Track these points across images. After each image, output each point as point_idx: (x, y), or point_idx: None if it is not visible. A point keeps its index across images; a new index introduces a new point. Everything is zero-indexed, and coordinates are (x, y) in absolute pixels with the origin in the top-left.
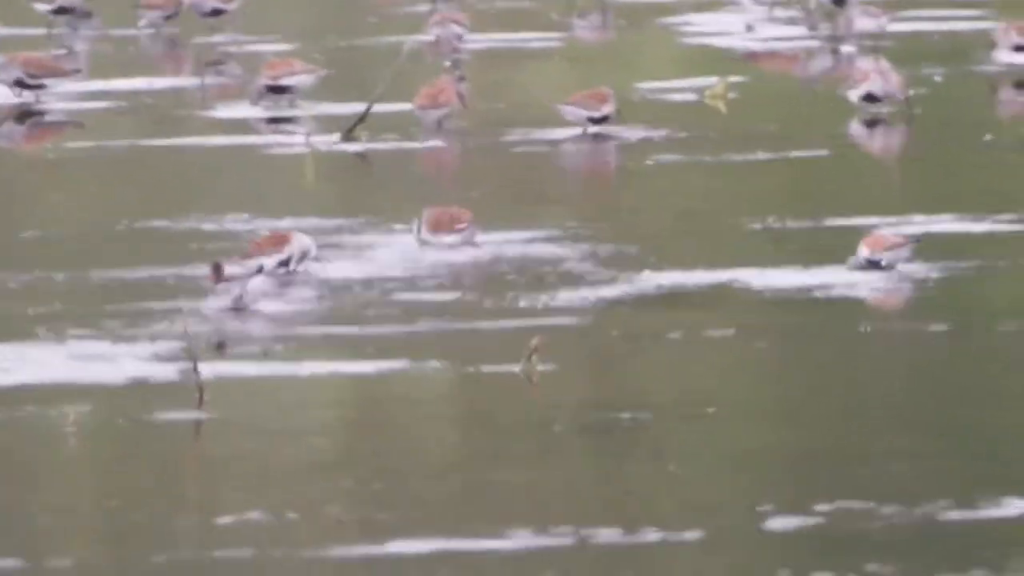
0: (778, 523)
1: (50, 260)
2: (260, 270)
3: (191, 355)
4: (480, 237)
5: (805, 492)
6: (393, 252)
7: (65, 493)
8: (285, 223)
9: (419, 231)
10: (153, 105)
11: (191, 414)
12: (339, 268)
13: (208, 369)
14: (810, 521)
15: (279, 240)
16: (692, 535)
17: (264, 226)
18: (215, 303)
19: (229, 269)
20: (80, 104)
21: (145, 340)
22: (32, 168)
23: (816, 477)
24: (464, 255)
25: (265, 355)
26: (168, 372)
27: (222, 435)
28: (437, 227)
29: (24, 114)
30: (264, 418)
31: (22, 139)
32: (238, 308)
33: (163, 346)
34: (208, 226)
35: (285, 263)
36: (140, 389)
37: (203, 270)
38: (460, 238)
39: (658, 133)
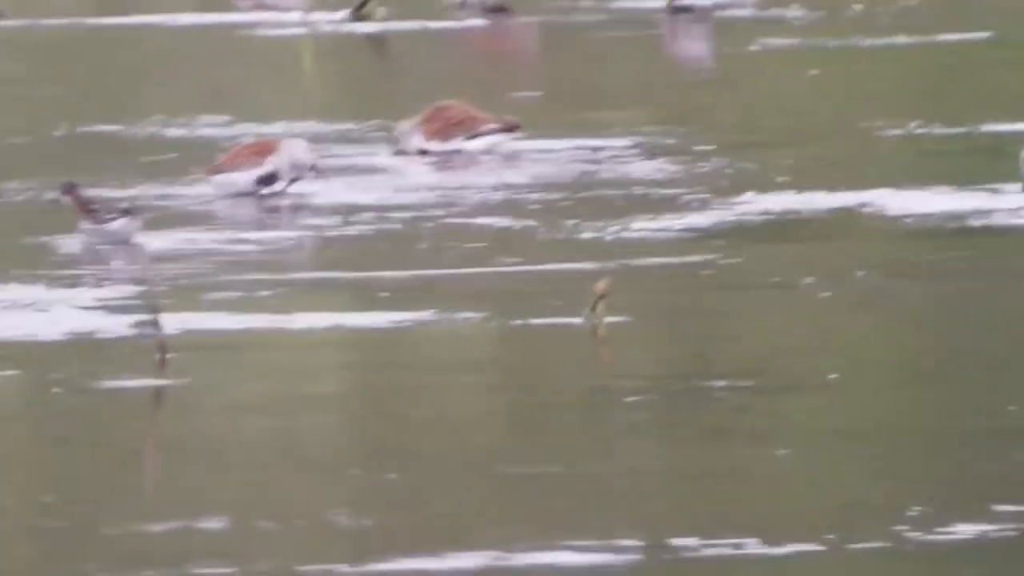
0: (929, 528)
1: None
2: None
3: (150, 304)
4: (525, 146)
5: (961, 484)
6: (413, 169)
7: None
8: (274, 128)
9: (412, 136)
10: None
11: (149, 381)
12: (341, 189)
13: (172, 322)
14: (974, 527)
15: (262, 149)
16: (811, 547)
17: (248, 133)
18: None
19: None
20: None
21: (89, 284)
22: None
23: (974, 463)
24: (501, 173)
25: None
26: (118, 326)
27: (188, 409)
28: (438, 132)
29: None
30: (243, 387)
31: None
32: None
33: (112, 291)
34: (174, 131)
35: (268, 180)
36: (82, 348)
37: (170, 189)
38: (477, 145)
39: (767, 10)
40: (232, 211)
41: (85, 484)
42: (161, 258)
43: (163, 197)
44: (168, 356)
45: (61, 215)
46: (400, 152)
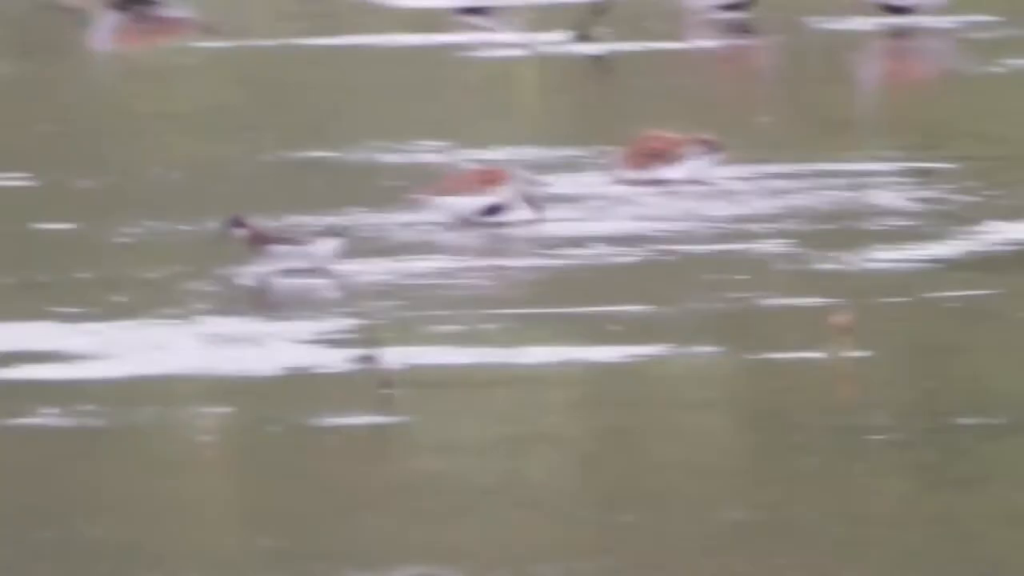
0: None
1: (170, 204)
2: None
3: (370, 337)
4: (754, 171)
5: None
6: (646, 196)
7: (198, 528)
8: (494, 155)
9: (616, 165)
10: None
11: (369, 418)
12: (567, 218)
13: (393, 356)
14: None
15: (489, 177)
16: None
17: (466, 158)
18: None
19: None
20: None
21: (306, 317)
22: (138, 76)
23: None
24: (735, 201)
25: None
26: (337, 361)
27: (412, 448)
28: (637, 161)
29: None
30: (469, 426)
31: (128, 36)
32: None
33: (330, 325)
34: (389, 157)
35: (493, 210)
36: (299, 384)
37: (387, 217)
38: (678, 173)
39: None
40: (454, 240)
41: (304, 528)
42: (381, 289)
43: (380, 226)
44: (390, 392)
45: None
46: (613, 181)
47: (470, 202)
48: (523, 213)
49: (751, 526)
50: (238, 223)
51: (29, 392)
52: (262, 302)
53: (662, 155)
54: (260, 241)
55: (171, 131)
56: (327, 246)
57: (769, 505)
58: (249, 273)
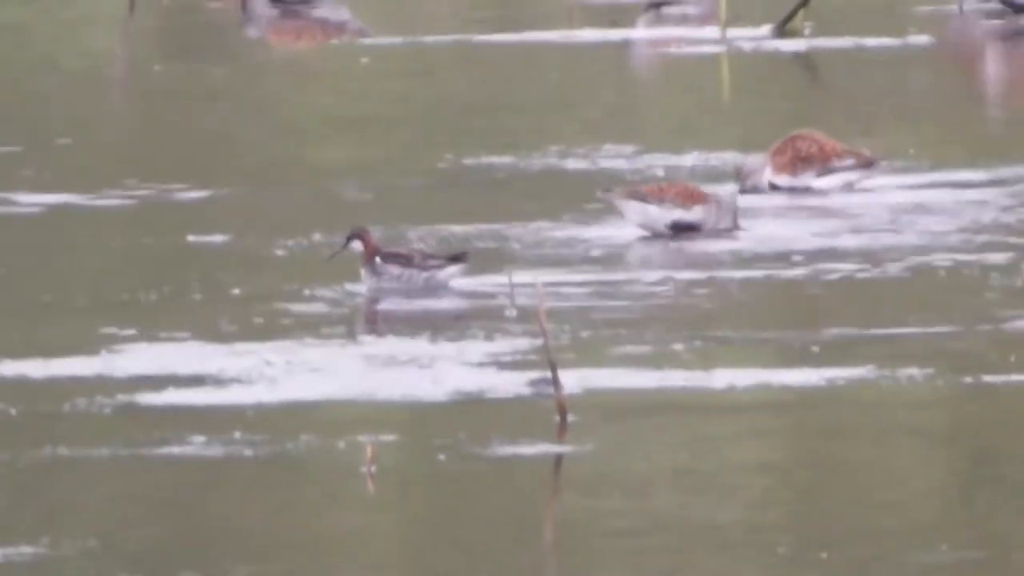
0: None
1: (333, 216)
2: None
3: (547, 359)
4: (951, 179)
5: None
6: (859, 206)
7: (357, 568)
8: (686, 160)
9: (762, 170)
10: None
11: (546, 447)
12: (770, 233)
13: (572, 380)
14: None
15: (690, 194)
16: None
17: (656, 165)
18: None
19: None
20: None
21: (477, 338)
22: (299, 78)
23: None
24: (953, 213)
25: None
26: (511, 385)
27: (593, 481)
28: (786, 166)
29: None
30: (655, 456)
31: (283, 34)
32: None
33: (503, 346)
34: (573, 163)
35: (686, 228)
36: (471, 409)
37: (569, 228)
38: (828, 183)
39: None
40: (644, 254)
41: (474, 567)
42: (561, 306)
43: (562, 238)
44: (568, 419)
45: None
46: (750, 189)
47: (664, 213)
48: (720, 225)
49: (968, 565)
50: (357, 236)
51: (177, 418)
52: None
53: (813, 162)
54: (373, 257)
55: (339, 135)
56: (444, 271)
57: (984, 543)
58: (362, 291)
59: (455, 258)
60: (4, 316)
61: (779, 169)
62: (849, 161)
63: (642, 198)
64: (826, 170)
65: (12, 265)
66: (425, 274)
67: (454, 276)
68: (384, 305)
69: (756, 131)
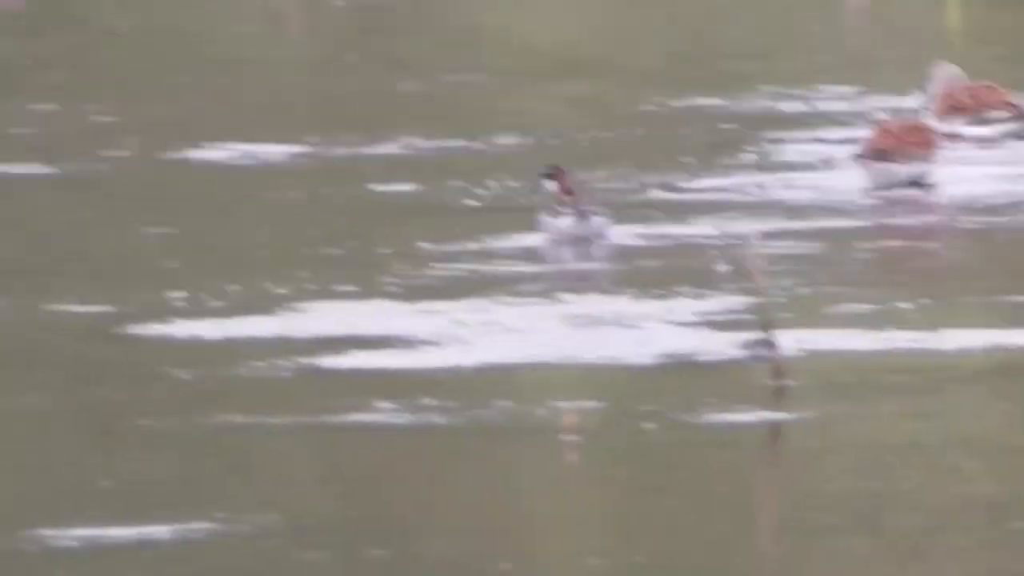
0: None
1: (529, 161)
2: None
3: (763, 318)
4: None
5: None
6: None
7: (558, 545)
8: (910, 102)
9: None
10: None
11: (761, 415)
12: (987, 179)
13: (790, 341)
14: None
15: (924, 140)
16: None
17: (877, 107)
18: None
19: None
20: None
21: (685, 295)
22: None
23: None
24: None
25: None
26: (724, 346)
27: (811, 452)
28: (945, 111)
29: None
30: (879, 425)
31: None
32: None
33: (715, 304)
34: (789, 105)
35: (922, 178)
36: (680, 373)
37: (786, 175)
38: (981, 132)
39: None
40: (862, 203)
41: (684, 546)
42: (778, 260)
43: (779, 186)
44: (785, 384)
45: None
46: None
47: (908, 169)
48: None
49: None
50: (552, 175)
51: (362, 384)
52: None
53: (967, 110)
54: (565, 199)
55: (539, 75)
56: (598, 219)
57: None
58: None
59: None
60: (177, 274)
61: (942, 113)
62: (1007, 112)
63: (881, 156)
64: (979, 119)
65: (187, 221)
66: (582, 219)
67: (599, 226)
68: (587, 260)
69: (987, 63)
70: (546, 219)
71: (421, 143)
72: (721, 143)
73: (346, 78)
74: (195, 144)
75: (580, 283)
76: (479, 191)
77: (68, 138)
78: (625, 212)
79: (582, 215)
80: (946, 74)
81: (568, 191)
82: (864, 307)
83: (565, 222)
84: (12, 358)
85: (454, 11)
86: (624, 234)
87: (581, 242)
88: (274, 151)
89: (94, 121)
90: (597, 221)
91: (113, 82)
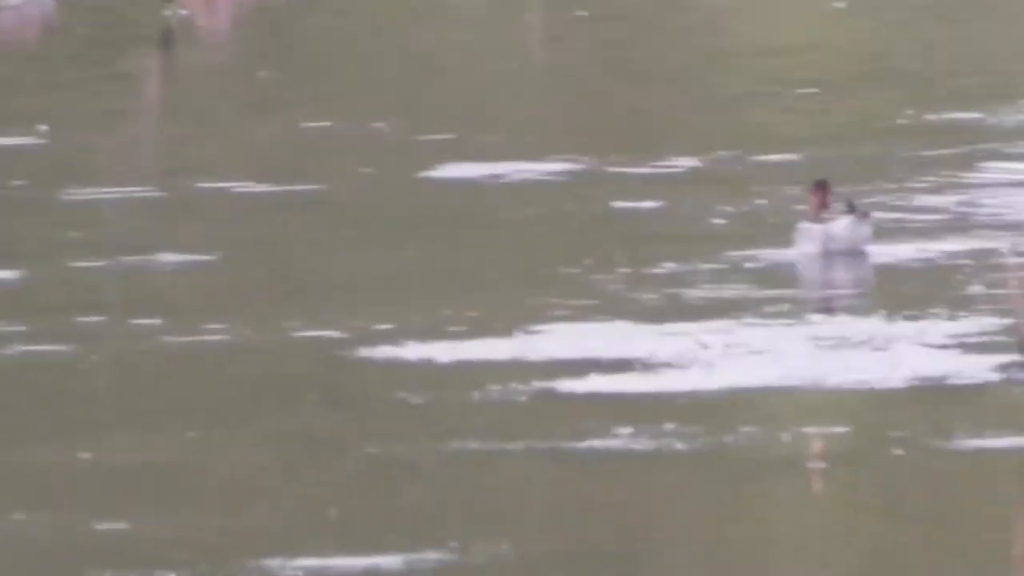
0: None
1: (777, 178)
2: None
3: (1021, 341)
4: None
5: None
6: None
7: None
8: None
9: None
10: None
11: (1019, 440)
12: None
13: None
14: None
15: None
16: None
17: None
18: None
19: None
20: None
21: (940, 316)
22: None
23: None
24: None
25: None
26: (979, 369)
27: None
28: None
29: None
30: None
31: None
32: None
33: (971, 325)
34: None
35: None
36: (932, 397)
37: None
38: None
39: None
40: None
41: (939, 574)
42: None
43: None
44: None
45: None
46: None
47: None
48: None
49: None
50: (818, 188)
51: (601, 407)
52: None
53: None
54: (823, 211)
55: (787, 85)
56: (852, 227)
57: None
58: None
59: (847, 210)
60: (410, 293)
61: None
62: None
63: None
64: None
65: (424, 242)
66: (822, 226)
67: (856, 233)
68: (835, 280)
69: None
70: (807, 227)
71: (671, 159)
72: (980, 156)
73: (588, 93)
74: (440, 162)
75: (829, 303)
76: (729, 208)
77: (310, 156)
78: (882, 228)
79: (851, 221)
80: None
81: (825, 205)
82: None
83: (833, 227)
84: (251, 383)
85: (695, 20)
86: (877, 251)
87: (843, 252)
88: (516, 168)
89: (335, 139)
90: (862, 229)
91: (353, 99)
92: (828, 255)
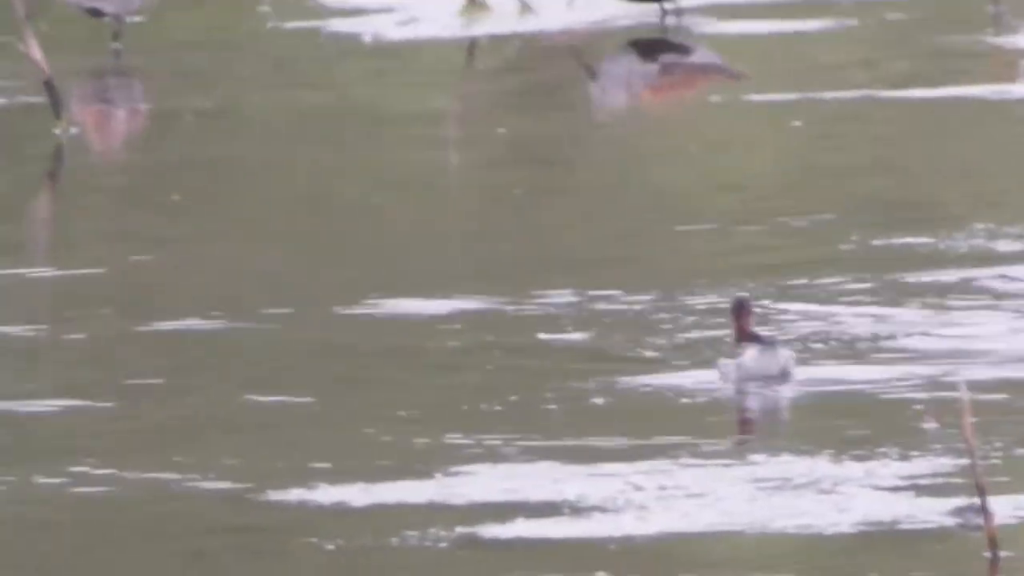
0: None
1: (751, 273)
2: None
3: (977, 483)
4: None
5: None
6: None
7: None
8: None
9: None
10: None
11: None
12: None
13: (1006, 507)
14: None
15: None
16: None
17: None
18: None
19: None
20: None
21: (888, 455)
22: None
23: None
24: None
25: None
26: (930, 513)
27: None
28: None
29: None
30: None
31: (654, 89)
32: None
33: (922, 466)
34: (1003, 246)
35: None
36: (881, 543)
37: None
38: None
39: None
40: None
41: None
42: (1000, 412)
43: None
44: (1002, 556)
45: None
46: None
47: None
48: None
49: None
50: (739, 308)
51: (528, 554)
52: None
53: None
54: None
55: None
56: (762, 358)
57: None
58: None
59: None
60: (322, 430)
61: None
62: None
63: None
64: None
65: (370, 373)
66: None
67: (770, 363)
68: (778, 414)
69: None
70: (723, 362)
71: (593, 292)
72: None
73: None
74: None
75: (770, 441)
76: (658, 340)
77: (215, 289)
78: (813, 351)
79: (765, 349)
80: None
81: (745, 329)
82: None
83: (746, 357)
84: (148, 527)
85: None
86: (812, 379)
87: (763, 381)
88: (430, 305)
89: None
90: (783, 355)
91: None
92: (741, 388)
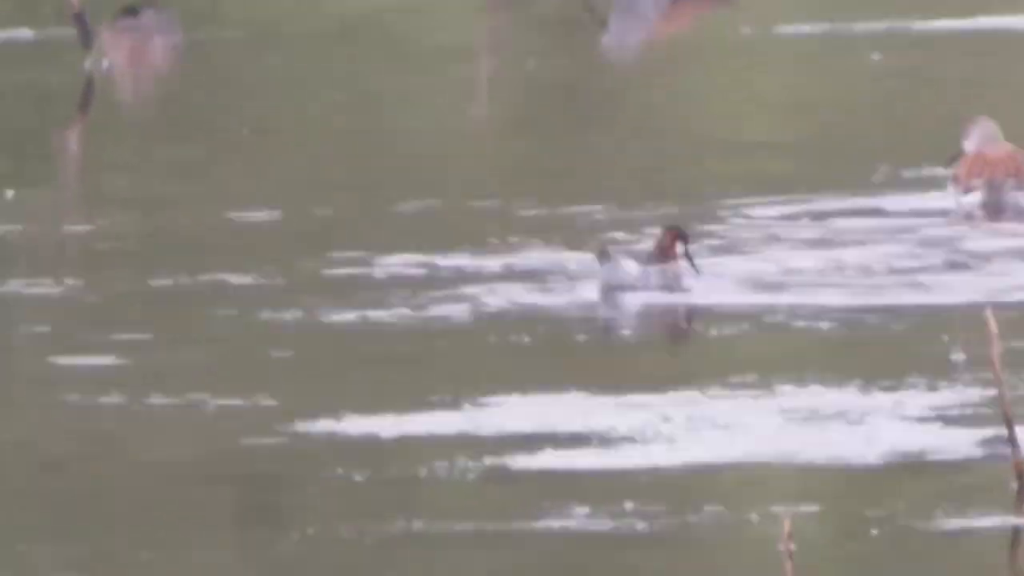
0: None
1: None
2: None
3: (1004, 413)
4: None
5: None
6: None
7: None
8: None
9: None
10: None
11: (1004, 519)
12: None
13: None
14: None
15: None
16: None
17: None
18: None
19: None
20: None
21: (914, 387)
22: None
23: None
24: None
25: None
26: (959, 444)
27: None
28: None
29: None
30: None
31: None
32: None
33: (948, 397)
34: None
35: None
36: (910, 473)
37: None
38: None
39: None
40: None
41: None
42: (1018, 346)
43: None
44: None
45: None
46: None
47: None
48: None
49: None
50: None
51: (556, 485)
52: None
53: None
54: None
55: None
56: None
57: None
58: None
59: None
60: (350, 366)
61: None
62: None
63: None
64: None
65: (368, 314)
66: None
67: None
68: (804, 349)
69: None
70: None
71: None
72: None
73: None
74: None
75: (798, 373)
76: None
77: (235, 246)
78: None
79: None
80: None
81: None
82: None
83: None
84: (177, 459)
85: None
86: (840, 308)
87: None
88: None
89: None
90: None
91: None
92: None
